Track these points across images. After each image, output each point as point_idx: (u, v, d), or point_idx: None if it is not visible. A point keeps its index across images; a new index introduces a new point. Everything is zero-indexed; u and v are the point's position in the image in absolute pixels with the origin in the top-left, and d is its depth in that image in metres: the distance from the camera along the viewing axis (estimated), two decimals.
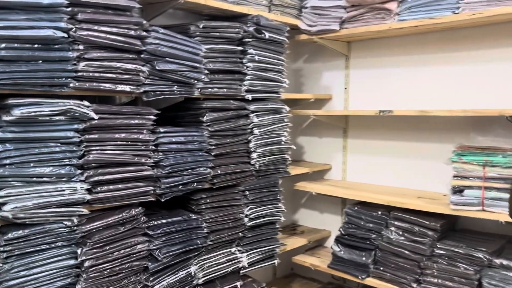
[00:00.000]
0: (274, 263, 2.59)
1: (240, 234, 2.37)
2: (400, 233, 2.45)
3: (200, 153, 2.15)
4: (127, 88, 1.86)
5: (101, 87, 1.78)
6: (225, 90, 2.26)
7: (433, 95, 2.62)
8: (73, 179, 1.73)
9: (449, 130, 2.56)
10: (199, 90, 2.16)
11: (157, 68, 1.93)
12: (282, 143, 2.56)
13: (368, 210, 2.61)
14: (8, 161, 1.58)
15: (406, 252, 2.40)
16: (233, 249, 2.35)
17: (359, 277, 2.55)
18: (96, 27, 1.72)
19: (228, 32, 2.23)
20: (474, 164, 2.13)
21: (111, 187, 1.83)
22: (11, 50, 1.53)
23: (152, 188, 1.97)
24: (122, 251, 1.87)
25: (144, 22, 1.88)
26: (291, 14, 2.80)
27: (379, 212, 2.56)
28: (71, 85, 1.69)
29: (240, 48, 2.30)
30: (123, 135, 1.86)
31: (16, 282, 1.61)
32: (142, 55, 1.90)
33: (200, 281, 2.19)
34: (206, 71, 2.17)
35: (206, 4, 2.22)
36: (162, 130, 2.01)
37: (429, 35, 2.61)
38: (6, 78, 1.53)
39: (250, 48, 2.33)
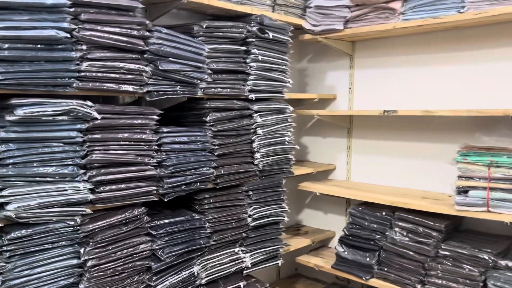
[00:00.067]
0: (278, 263, 2.59)
1: (244, 234, 2.37)
2: (405, 233, 2.43)
3: (203, 153, 2.14)
4: (130, 88, 1.86)
5: (104, 87, 1.78)
6: (228, 90, 2.26)
7: (438, 95, 2.60)
8: (76, 179, 1.73)
9: (454, 130, 2.54)
10: (202, 90, 2.16)
11: (160, 68, 1.93)
12: (286, 143, 2.55)
13: (372, 211, 2.60)
14: (11, 161, 1.59)
15: (411, 253, 2.38)
16: (236, 249, 2.35)
17: (363, 278, 2.54)
18: (99, 27, 1.73)
19: (231, 32, 2.23)
20: (479, 165, 2.11)
21: (114, 187, 1.83)
22: (15, 50, 1.53)
23: (155, 188, 1.97)
24: (125, 250, 1.87)
25: (147, 22, 1.88)
26: (295, 14, 2.79)
27: (383, 213, 2.55)
28: (74, 85, 1.69)
29: (243, 48, 2.29)
30: (126, 135, 1.87)
31: (19, 281, 1.62)
32: (145, 55, 1.90)
33: (203, 281, 2.19)
34: (209, 71, 2.16)
35: (210, 4, 2.22)
36: (165, 130, 2.01)
37: (433, 35, 2.60)
38: (9, 78, 1.54)
39: (254, 48, 2.32)
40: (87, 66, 1.71)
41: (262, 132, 2.40)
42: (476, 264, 2.18)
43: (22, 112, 1.56)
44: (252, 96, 2.36)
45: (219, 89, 2.22)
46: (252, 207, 2.39)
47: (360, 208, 2.66)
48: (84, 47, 1.70)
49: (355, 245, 2.64)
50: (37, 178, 1.65)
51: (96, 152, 1.78)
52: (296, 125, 3.14)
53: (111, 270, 1.83)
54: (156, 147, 1.97)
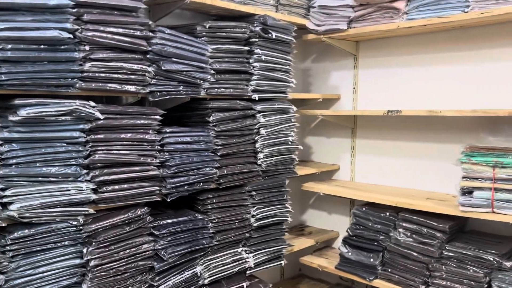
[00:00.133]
0: (281, 263, 2.58)
1: (247, 234, 2.37)
2: (408, 234, 2.42)
3: (206, 153, 2.15)
4: (133, 88, 1.87)
5: (107, 88, 1.79)
6: (231, 90, 2.26)
7: (442, 94, 2.58)
8: (79, 179, 1.74)
9: (458, 130, 2.52)
10: (205, 90, 2.16)
11: (163, 68, 1.93)
12: (289, 143, 2.55)
13: (376, 211, 2.59)
14: (14, 161, 1.60)
15: (415, 254, 2.37)
16: (239, 250, 2.35)
17: (367, 279, 2.53)
18: (102, 28, 1.73)
19: (234, 32, 2.23)
20: (484, 165, 2.09)
21: (116, 187, 1.84)
22: (18, 51, 1.54)
23: (158, 188, 1.98)
24: (128, 250, 1.88)
25: (150, 22, 1.88)
26: (299, 14, 2.79)
27: (387, 213, 2.53)
28: (77, 85, 1.70)
29: (246, 48, 2.29)
30: (129, 135, 1.87)
31: (22, 281, 1.63)
32: (148, 56, 1.91)
33: (206, 281, 2.19)
34: (212, 71, 2.16)
35: (213, 4, 2.22)
36: (168, 130, 2.02)
37: (438, 34, 2.58)
38: (12, 78, 1.55)
39: (257, 48, 2.32)
40: (90, 67, 1.72)
41: (265, 132, 2.40)
42: (481, 266, 2.17)
43: (25, 112, 1.57)
44: (255, 96, 2.36)
45: (222, 89, 2.22)
46: (255, 207, 2.39)
47: (364, 209, 2.65)
48: (87, 47, 1.71)
49: (359, 245, 2.63)
50: (40, 178, 1.66)
51: (99, 152, 1.78)
52: (300, 125, 3.14)
53: (113, 270, 1.83)
54: (159, 147, 1.98)
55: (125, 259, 1.87)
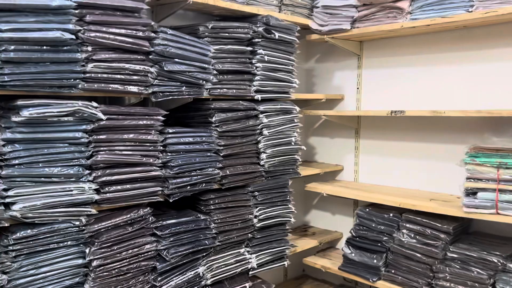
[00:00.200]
0: (284, 264, 2.57)
1: (249, 235, 2.37)
2: (412, 235, 2.41)
3: (209, 154, 2.14)
4: (135, 89, 1.87)
5: (110, 88, 1.79)
6: (234, 90, 2.25)
7: (446, 95, 2.57)
8: (81, 179, 1.75)
9: (463, 131, 2.50)
10: (208, 90, 2.16)
11: (165, 69, 1.93)
12: (292, 143, 2.54)
13: (379, 212, 2.58)
14: (17, 161, 1.61)
15: (418, 255, 2.36)
16: (242, 250, 2.35)
17: (370, 280, 2.52)
18: (104, 29, 1.74)
19: (237, 32, 2.22)
20: (488, 166, 2.08)
21: (119, 187, 1.84)
22: (20, 52, 1.55)
23: (160, 188, 1.98)
24: (130, 251, 1.88)
25: (153, 23, 1.88)
26: (302, 14, 2.78)
27: (391, 214, 2.52)
28: (80, 86, 1.71)
29: (249, 48, 2.29)
30: (131, 135, 1.87)
31: (24, 280, 1.64)
32: (150, 56, 1.91)
33: (209, 282, 2.19)
34: (215, 72, 2.16)
35: (215, 5, 2.22)
36: (170, 130, 2.02)
37: (442, 34, 2.57)
38: (15, 79, 1.56)
39: (260, 49, 2.32)
40: (92, 67, 1.72)
41: (268, 132, 2.40)
42: (485, 267, 2.16)
43: (28, 113, 1.58)
44: (258, 96, 2.36)
45: (224, 89, 2.22)
46: (258, 208, 2.38)
47: (367, 210, 2.64)
48: (89, 48, 1.71)
49: (362, 246, 2.62)
50: (43, 179, 1.67)
51: (101, 152, 1.79)
52: (304, 125, 3.14)
53: (116, 270, 1.84)
54: (161, 147, 1.98)
55: (128, 260, 1.88)
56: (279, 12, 2.61)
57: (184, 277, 2.08)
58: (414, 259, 2.38)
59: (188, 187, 2.07)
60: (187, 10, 2.43)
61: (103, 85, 1.77)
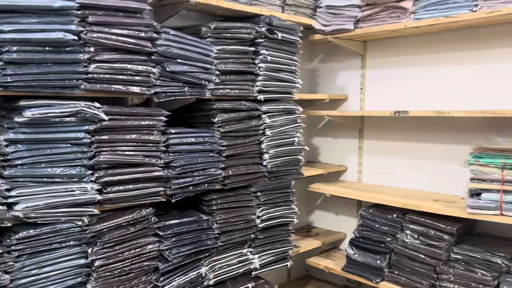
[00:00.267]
0: (287, 265, 2.57)
1: (252, 235, 2.36)
2: (416, 236, 2.39)
3: (211, 154, 2.15)
4: (137, 89, 1.87)
5: (112, 89, 1.80)
6: (236, 91, 2.25)
7: (450, 95, 2.55)
8: (83, 180, 1.75)
9: (467, 131, 2.49)
10: (210, 91, 2.16)
11: (167, 69, 1.94)
12: (295, 144, 2.54)
13: (383, 213, 2.57)
14: (19, 162, 1.61)
15: (422, 256, 2.35)
16: (244, 251, 2.35)
17: (374, 281, 2.50)
18: (106, 29, 1.74)
19: (240, 33, 2.22)
20: (492, 167, 2.06)
21: (121, 187, 1.85)
22: (23, 52, 1.56)
23: (163, 188, 1.98)
24: (133, 251, 1.89)
25: (155, 23, 1.89)
26: (305, 14, 2.77)
27: (394, 215, 2.51)
28: (82, 86, 1.71)
29: (252, 48, 2.29)
30: (133, 136, 1.88)
31: (27, 280, 1.65)
32: (152, 57, 1.91)
33: (211, 282, 2.19)
34: (218, 72, 2.16)
35: (218, 5, 2.22)
36: (172, 131, 2.02)
37: (445, 34, 2.55)
38: (18, 80, 1.57)
39: (263, 49, 2.32)
40: (94, 68, 1.73)
41: (271, 133, 2.39)
42: (489, 269, 2.14)
43: (30, 113, 1.59)
44: (261, 97, 2.36)
45: (227, 90, 2.22)
46: (261, 208, 2.38)
47: (371, 210, 2.63)
48: (91, 49, 1.72)
49: (365, 247, 2.61)
50: (45, 179, 1.68)
51: (103, 153, 1.79)
52: (307, 125, 3.13)
53: (118, 270, 1.84)
54: (163, 148, 1.98)
55: (130, 260, 1.88)
56: (282, 12, 2.61)
57: (187, 278, 2.09)
58: (417, 260, 2.37)
59: (191, 188, 2.07)
60: (190, 10, 2.44)
61: (105, 85, 1.78)
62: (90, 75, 1.73)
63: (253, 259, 2.37)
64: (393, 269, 2.48)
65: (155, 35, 1.89)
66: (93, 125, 1.76)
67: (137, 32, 1.83)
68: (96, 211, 1.78)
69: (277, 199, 2.46)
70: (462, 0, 2.23)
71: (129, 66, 1.83)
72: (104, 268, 1.80)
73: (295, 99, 2.57)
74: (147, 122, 1.91)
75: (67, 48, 1.65)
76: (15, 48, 1.54)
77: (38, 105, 1.61)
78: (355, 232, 2.69)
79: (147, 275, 1.96)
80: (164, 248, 1.99)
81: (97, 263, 1.78)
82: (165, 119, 1.98)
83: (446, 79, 2.57)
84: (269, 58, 2.34)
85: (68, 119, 1.69)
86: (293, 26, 2.44)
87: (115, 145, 1.83)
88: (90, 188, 1.75)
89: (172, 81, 1.99)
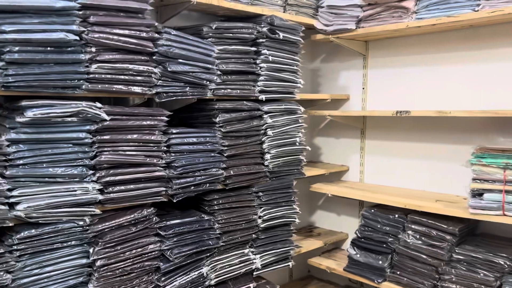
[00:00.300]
0: (289, 265, 2.57)
1: (253, 235, 2.36)
2: (418, 237, 2.39)
3: (213, 154, 2.15)
4: (139, 89, 1.87)
5: (113, 89, 1.80)
6: (238, 91, 2.25)
7: (452, 95, 2.55)
8: (85, 180, 1.76)
9: (468, 131, 2.48)
10: (212, 91, 2.16)
11: (169, 69, 1.94)
12: (297, 144, 2.54)
13: (385, 213, 2.56)
14: (21, 162, 1.62)
15: (424, 256, 2.34)
16: (246, 251, 2.35)
17: (375, 281, 2.50)
18: (108, 30, 1.74)
19: (241, 33, 2.22)
20: (494, 167, 2.05)
21: (122, 187, 1.85)
22: (24, 53, 1.56)
23: (164, 188, 1.98)
24: (134, 251, 1.89)
25: (156, 24, 1.89)
26: (307, 14, 2.77)
27: (396, 215, 2.50)
28: (84, 87, 1.72)
29: (253, 48, 2.29)
30: (135, 136, 1.88)
31: (29, 280, 1.65)
32: (154, 57, 1.92)
33: (213, 282, 2.19)
34: (219, 72, 2.16)
35: (219, 5, 2.22)
36: (174, 131, 2.02)
37: (447, 34, 2.54)
38: (19, 80, 1.57)
39: (264, 49, 2.32)
40: (96, 68, 1.73)
41: (273, 133, 2.39)
42: (491, 269, 2.13)
43: (32, 113, 1.59)
44: (262, 97, 2.36)
45: (228, 90, 2.22)
46: (262, 209, 2.38)
47: (372, 210, 2.63)
48: (93, 49, 1.72)
49: (367, 247, 2.61)
50: (47, 179, 1.68)
51: (105, 153, 1.79)
52: (309, 125, 3.13)
53: (120, 270, 1.85)
54: (165, 148, 1.98)
55: (131, 259, 1.89)
56: (284, 12, 2.60)
57: (188, 277, 2.09)
58: (419, 261, 2.36)
59: (192, 188, 2.07)
60: (191, 10, 2.44)
61: (106, 85, 1.78)
62: (91, 75, 1.73)
63: (254, 259, 2.37)
64: (395, 269, 2.47)
65: (156, 35, 1.89)
66: (94, 125, 1.76)
67: (138, 32, 1.83)
68: (97, 211, 1.78)
69: (278, 199, 2.46)
70: None
71: (131, 66, 1.83)
72: (105, 268, 1.80)
73: (296, 99, 2.57)
74: (148, 122, 1.92)
75: (69, 48, 1.65)
76: (16, 48, 1.54)
77: (39, 105, 1.62)
78: (357, 232, 2.68)
79: (149, 275, 1.96)
80: (165, 248, 1.99)
81: (98, 263, 1.78)
82: (166, 119, 1.98)
83: (448, 79, 2.56)
84: (270, 58, 2.34)
85: (69, 119, 1.69)
86: (294, 26, 2.44)
87: (117, 145, 1.84)
88: (92, 188, 1.75)
89: (174, 81, 1.99)
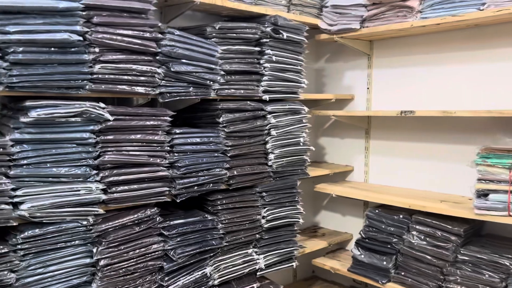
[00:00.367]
0: (292, 265, 2.56)
1: (257, 235, 2.36)
2: (422, 237, 2.37)
3: (216, 154, 2.15)
4: (142, 90, 1.88)
5: (117, 89, 1.81)
6: (242, 91, 2.25)
7: (457, 95, 2.53)
8: (88, 180, 1.76)
9: (473, 131, 2.46)
10: (215, 91, 2.16)
11: (172, 69, 1.94)
12: (301, 144, 2.53)
13: (389, 213, 2.55)
14: (25, 162, 1.63)
15: (428, 257, 2.33)
16: (249, 251, 2.35)
17: (380, 282, 2.49)
18: (111, 30, 1.75)
19: (245, 33, 2.22)
20: (500, 167, 2.03)
21: (126, 187, 1.85)
22: (29, 53, 1.57)
23: (168, 188, 1.98)
24: (137, 250, 1.89)
25: (160, 24, 1.89)
26: (311, 14, 2.77)
27: (401, 216, 2.49)
28: (87, 87, 1.72)
29: (257, 48, 2.29)
30: (138, 136, 1.88)
31: (33, 279, 1.66)
32: (157, 57, 1.92)
33: (216, 282, 2.19)
34: (222, 72, 2.16)
35: (223, 5, 2.23)
36: (177, 131, 2.02)
37: (452, 33, 2.53)
38: (23, 80, 1.58)
39: (268, 49, 2.31)
40: (99, 69, 1.74)
41: (276, 133, 2.39)
42: (497, 270, 2.12)
43: (36, 113, 1.60)
44: (266, 97, 2.35)
45: (232, 90, 2.22)
46: (266, 209, 2.38)
47: (377, 211, 2.62)
48: (97, 49, 1.73)
49: (371, 248, 2.60)
50: (51, 179, 1.69)
51: (108, 153, 1.80)
52: (313, 125, 3.12)
53: (123, 269, 1.85)
54: (168, 148, 1.99)
55: (135, 259, 1.89)
56: (288, 12, 2.60)
57: (191, 277, 2.09)
58: (424, 261, 2.35)
59: (195, 188, 2.07)
60: (195, 11, 2.44)
61: (110, 86, 1.78)
62: (95, 76, 1.73)
63: (258, 259, 2.36)
64: (399, 270, 2.46)
65: (160, 35, 1.90)
66: (98, 125, 1.77)
67: (142, 33, 1.83)
68: (101, 211, 1.78)
69: (282, 199, 2.45)
70: None
71: (134, 66, 1.84)
72: (109, 267, 1.81)
73: (300, 99, 2.56)
74: (152, 122, 1.92)
75: (72, 49, 1.66)
76: (20, 48, 1.55)
77: (43, 106, 1.63)
78: (361, 232, 2.67)
79: (152, 274, 1.97)
80: (169, 247, 1.99)
81: (102, 263, 1.78)
82: (170, 119, 1.98)
83: (453, 79, 2.55)
84: (274, 58, 2.33)
85: (73, 119, 1.70)
86: (298, 26, 2.44)
87: (120, 145, 1.84)
88: (95, 188, 1.76)
89: (177, 81, 2.00)
